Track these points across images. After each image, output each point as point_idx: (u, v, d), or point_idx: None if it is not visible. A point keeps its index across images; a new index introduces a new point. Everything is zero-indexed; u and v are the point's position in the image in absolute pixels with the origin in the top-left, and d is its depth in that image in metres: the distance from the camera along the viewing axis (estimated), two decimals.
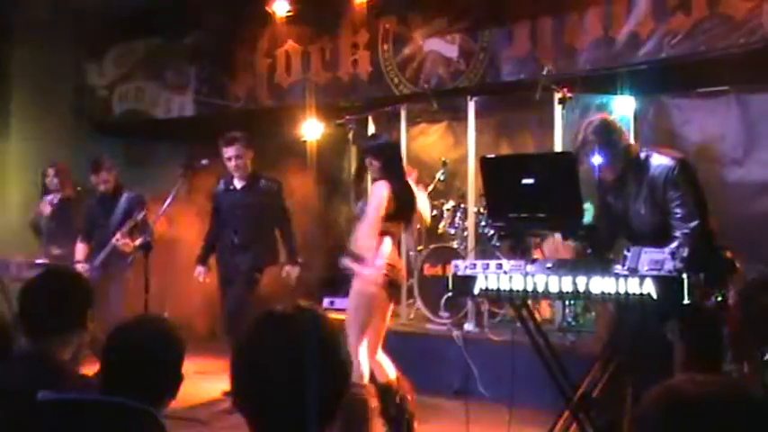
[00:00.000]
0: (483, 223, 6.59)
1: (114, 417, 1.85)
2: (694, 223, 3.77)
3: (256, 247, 5.72)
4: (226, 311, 5.79)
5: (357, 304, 4.53)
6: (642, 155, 3.94)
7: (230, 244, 5.76)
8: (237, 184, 5.78)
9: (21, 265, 6.26)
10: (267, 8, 7.44)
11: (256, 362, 1.51)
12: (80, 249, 6.31)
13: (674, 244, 3.72)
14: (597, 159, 3.89)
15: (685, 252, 3.55)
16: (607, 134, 3.90)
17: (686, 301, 3.34)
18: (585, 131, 3.91)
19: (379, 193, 4.54)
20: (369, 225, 4.48)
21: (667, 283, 3.37)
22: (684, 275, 3.34)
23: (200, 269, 5.89)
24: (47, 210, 6.67)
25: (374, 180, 4.73)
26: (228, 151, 5.66)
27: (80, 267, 6.05)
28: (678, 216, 3.79)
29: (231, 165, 5.68)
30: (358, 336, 4.52)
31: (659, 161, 3.89)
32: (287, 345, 1.50)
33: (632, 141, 4.01)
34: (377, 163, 4.67)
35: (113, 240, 5.97)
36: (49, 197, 6.70)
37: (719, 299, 3.55)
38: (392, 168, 4.67)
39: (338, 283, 5.68)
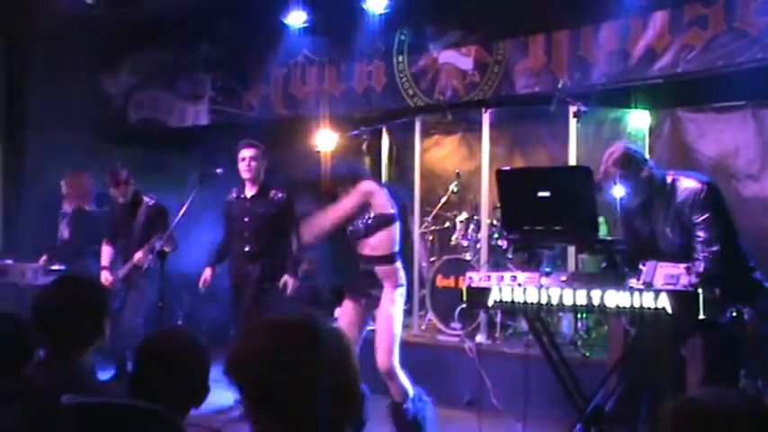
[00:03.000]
0: (496, 235, 6.58)
1: (136, 420, 1.87)
2: (716, 248, 3.74)
3: (266, 257, 5.73)
4: (237, 325, 5.82)
5: (396, 312, 4.54)
6: (669, 179, 3.93)
7: (241, 253, 5.78)
8: (248, 192, 5.80)
9: (36, 271, 6.33)
10: (282, 18, 7.49)
11: (250, 368, 1.51)
12: (105, 253, 6.38)
13: (694, 269, 3.70)
14: (620, 190, 3.88)
15: (701, 267, 3.55)
16: (628, 165, 3.88)
17: (701, 317, 3.34)
18: (607, 163, 3.90)
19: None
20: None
21: (682, 298, 3.37)
22: (700, 290, 3.34)
23: (207, 272, 5.87)
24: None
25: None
26: (244, 152, 5.70)
27: (104, 276, 6.12)
28: (700, 239, 3.77)
29: (243, 166, 5.70)
30: (397, 347, 4.57)
31: (686, 185, 3.87)
32: (281, 350, 1.49)
33: (654, 167, 3.98)
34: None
35: (135, 259, 6.04)
36: (64, 209, 6.78)
37: (735, 314, 3.53)
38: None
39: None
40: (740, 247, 3.93)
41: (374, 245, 4.53)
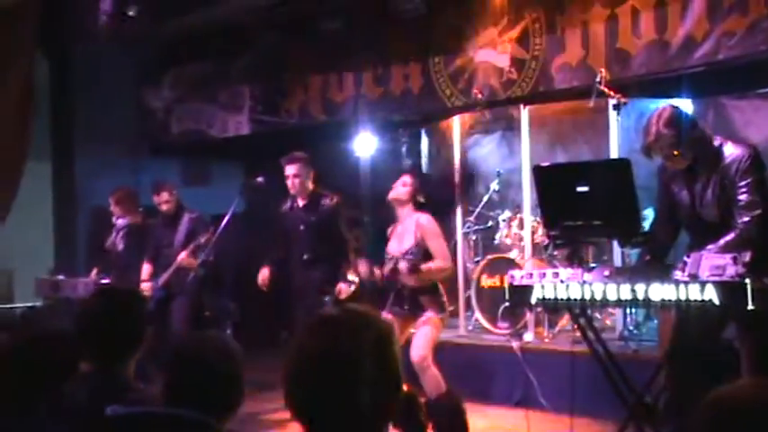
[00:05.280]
0: (540, 232, 6.53)
1: (180, 429, 1.89)
2: (757, 212, 3.67)
3: (323, 264, 5.74)
4: (292, 333, 5.87)
5: (438, 328, 4.94)
6: (716, 143, 3.86)
7: (300, 261, 5.80)
8: (300, 202, 5.87)
9: (88, 285, 6.46)
10: (318, 25, 7.52)
11: (305, 365, 1.51)
12: (146, 270, 6.48)
13: (731, 236, 3.63)
14: (672, 150, 3.80)
15: (748, 257, 3.47)
16: (680, 123, 3.80)
17: (750, 307, 3.26)
18: (658, 125, 3.81)
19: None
20: None
21: (730, 289, 3.29)
22: (748, 280, 3.27)
23: (266, 271, 5.87)
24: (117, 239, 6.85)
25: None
26: (288, 170, 5.76)
27: (144, 287, 6.23)
28: (742, 203, 3.69)
29: (289, 183, 5.77)
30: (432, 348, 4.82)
31: (732, 150, 3.80)
32: (335, 347, 1.49)
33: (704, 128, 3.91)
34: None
35: (179, 259, 6.15)
36: (118, 224, 6.85)
37: None
38: None
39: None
40: None
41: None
